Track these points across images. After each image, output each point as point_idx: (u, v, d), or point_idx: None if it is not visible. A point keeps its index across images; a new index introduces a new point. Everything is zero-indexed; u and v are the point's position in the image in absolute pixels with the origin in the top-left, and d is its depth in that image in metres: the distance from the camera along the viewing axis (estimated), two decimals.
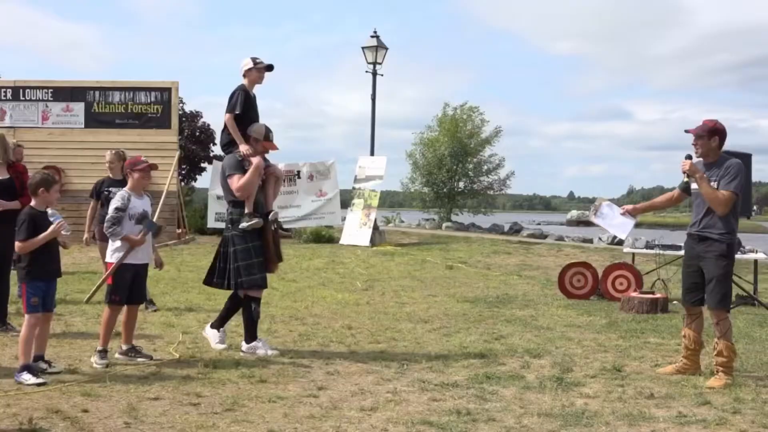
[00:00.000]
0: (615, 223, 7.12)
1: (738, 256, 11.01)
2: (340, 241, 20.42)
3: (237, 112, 6.98)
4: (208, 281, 7.09)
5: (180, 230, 19.52)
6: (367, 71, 23.16)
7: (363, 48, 23.13)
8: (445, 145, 34.75)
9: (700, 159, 6.32)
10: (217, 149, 29.88)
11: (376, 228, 21.01)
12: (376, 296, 11.12)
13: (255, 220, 6.78)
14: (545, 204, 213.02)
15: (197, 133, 29.30)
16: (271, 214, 6.98)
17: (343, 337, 7.86)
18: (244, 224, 6.79)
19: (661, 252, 11.43)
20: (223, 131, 7.18)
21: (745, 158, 9.80)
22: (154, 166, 6.73)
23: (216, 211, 21.03)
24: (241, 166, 6.88)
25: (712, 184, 6.15)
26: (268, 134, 7.01)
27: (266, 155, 7.12)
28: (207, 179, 23.82)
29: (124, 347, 6.70)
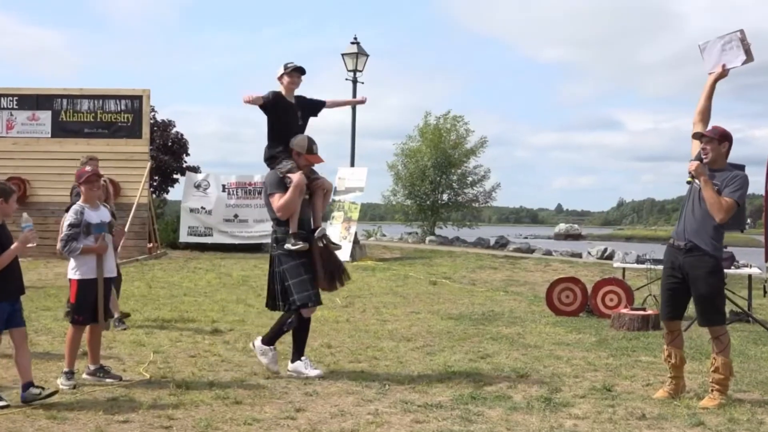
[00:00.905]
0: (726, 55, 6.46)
1: (731, 270, 11.11)
2: None
3: (265, 98, 6.89)
4: (271, 305, 7.01)
5: (151, 244, 19.45)
6: (347, 79, 23.23)
7: (343, 55, 23.18)
8: (428, 155, 34.76)
9: (706, 165, 6.30)
10: (190, 159, 29.84)
11: (356, 242, 21.00)
12: (357, 313, 11.10)
13: (300, 245, 6.70)
14: (532, 217, 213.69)
15: (169, 143, 29.19)
16: (318, 230, 6.91)
17: (322, 356, 7.83)
18: (289, 246, 6.73)
19: (653, 267, 11.49)
20: (267, 146, 7.08)
21: (738, 170, 9.89)
22: (97, 175, 6.63)
23: (189, 225, 20.99)
24: (283, 184, 6.79)
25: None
26: (311, 147, 6.91)
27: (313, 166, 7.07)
28: (179, 191, 23.80)
29: (92, 367, 6.64)
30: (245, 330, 9.20)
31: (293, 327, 6.88)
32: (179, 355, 7.71)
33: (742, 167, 9.87)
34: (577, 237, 67.08)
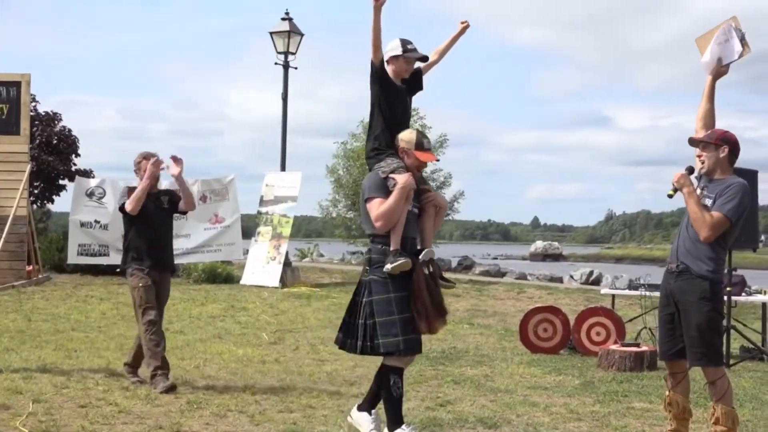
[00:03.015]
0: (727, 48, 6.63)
1: (742, 298, 11.30)
2: (242, 281, 20.32)
3: (382, 59, 6.56)
4: (340, 342, 6.64)
5: (30, 267, 19.14)
6: (276, 63, 23.18)
7: (271, 33, 23.15)
8: None
9: (704, 174, 6.38)
10: (81, 162, 29.47)
11: (287, 264, 20.93)
12: (288, 352, 11.06)
13: (401, 260, 6.21)
14: (503, 233, 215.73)
15: (55, 141, 28.81)
16: (424, 252, 6.42)
17: (245, 404, 7.79)
18: (388, 266, 6.23)
19: (648, 293, 11.61)
20: (368, 135, 6.80)
21: (750, 176, 10.05)
22: None
23: (79, 242, 20.66)
24: (385, 187, 6.35)
25: (706, 202, 6.19)
26: (421, 141, 6.49)
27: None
28: (67, 201, 23.43)
29: None
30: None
31: (400, 389, 6.40)
32: (66, 405, 7.60)
33: (754, 173, 10.09)
34: (558, 257, 67.85)
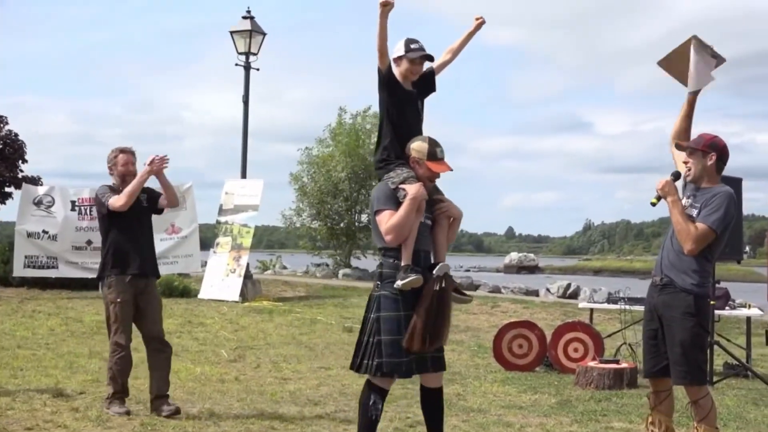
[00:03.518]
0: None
1: (726, 312, 11.35)
2: (200, 295, 20.22)
3: (389, 65, 6.46)
4: (354, 364, 6.51)
5: None
6: (237, 64, 23.15)
7: (232, 33, 23.11)
8: (343, 164, 34.86)
9: (690, 182, 6.38)
10: (28, 168, 29.26)
11: (248, 276, 20.87)
12: (249, 369, 11.02)
13: (412, 277, 6.12)
14: (476, 244, 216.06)
15: (0, 146, 28.64)
16: (438, 267, 6.30)
17: (202, 426, 7.75)
18: (398, 282, 6.15)
19: (628, 307, 11.64)
20: (378, 145, 6.67)
21: (734, 184, 10.11)
22: None
23: (26, 254, 20.51)
24: (396, 199, 6.26)
25: (692, 212, 6.19)
26: (433, 151, 6.33)
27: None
28: (13, 209, 23.28)
29: None
30: (100, 393, 9.03)
31: (377, 411, 6.38)
32: (11, 428, 7.53)
33: (738, 181, 10.16)
34: (533, 269, 68.03)
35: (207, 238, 22.09)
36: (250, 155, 23.24)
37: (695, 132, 6.50)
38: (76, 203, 21.23)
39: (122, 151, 8.58)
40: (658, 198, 6.27)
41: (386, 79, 6.46)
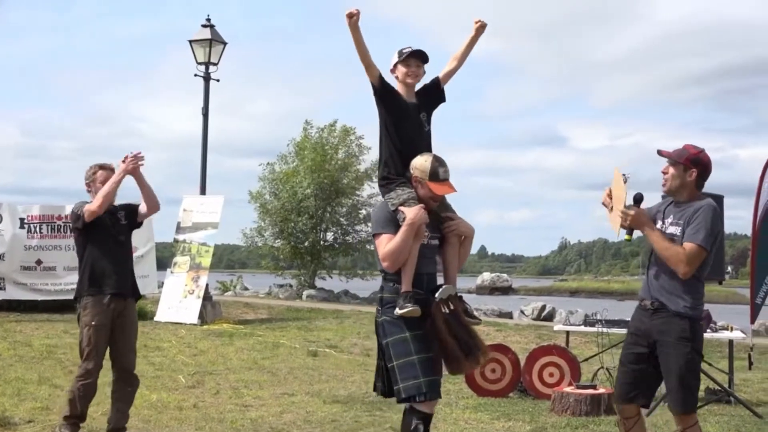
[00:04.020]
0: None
1: (708, 335, 11.38)
2: (156, 318, 20.13)
3: (378, 76, 6.37)
4: (379, 388, 6.42)
5: None
6: (196, 74, 23.13)
7: (191, 42, 23.10)
8: (307, 181, 34.84)
9: (669, 198, 6.38)
10: None
11: (208, 298, 20.81)
12: (208, 396, 10.98)
13: (409, 308, 6.04)
14: None
15: None
16: (441, 290, 6.23)
17: None
18: (397, 310, 6.09)
19: (605, 330, 11.70)
20: (378, 164, 6.61)
21: (716, 201, 10.18)
22: None
23: None
24: (395, 221, 6.20)
25: (674, 230, 6.20)
26: (436, 171, 6.21)
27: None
28: None
29: None
30: (50, 421, 8.97)
31: (403, 424, 6.21)
32: None
33: (719, 198, 10.23)
34: (507, 290, 68.05)
35: (164, 258, 22.03)
36: (209, 170, 23.27)
37: (680, 143, 6.52)
38: (25, 221, 21.10)
39: (102, 167, 8.32)
40: (631, 231, 6.29)
41: (378, 91, 6.41)
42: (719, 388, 10.92)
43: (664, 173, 6.30)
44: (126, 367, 8.18)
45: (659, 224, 6.33)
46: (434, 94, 6.70)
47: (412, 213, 6.02)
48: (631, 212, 6.21)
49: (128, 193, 8.47)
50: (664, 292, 6.21)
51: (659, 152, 6.39)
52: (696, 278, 6.20)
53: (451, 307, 6.13)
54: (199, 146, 23.18)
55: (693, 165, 6.22)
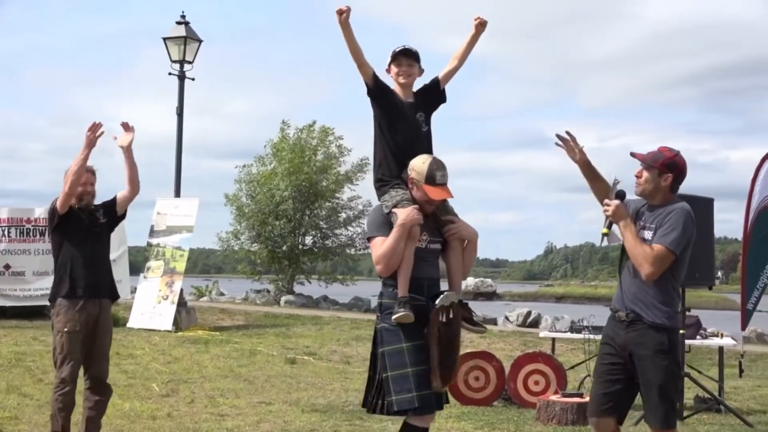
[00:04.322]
0: None
1: (697, 342, 11.44)
2: (129, 324, 20.09)
3: (372, 74, 6.34)
4: (367, 402, 6.34)
5: None
6: (170, 73, 23.07)
7: (165, 39, 23.04)
8: (285, 183, 34.79)
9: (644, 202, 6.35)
10: None
11: (182, 304, 20.77)
12: (182, 405, 10.96)
13: (401, 312, 6.02)
14: None
15: None
16: (441, 297, 6.13)
17: None
18: (393, 316, 6.07)
19: (592, 337, 11.70)
20: (373, 166, 6.53)
21: (705, 204, 10.23)
22: None
23: None
24: (389, 224, 6.17)
25: (646, 235, 6.14)
26: (432, 175, 6.13)
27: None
28: None
29: None
30: (19, 430, 8.93)
31: None
32: None
33: (709, 201, 10.28)
34: (491, 296, 68.18)
35: (137, 262, 22.01)
36: (184, 172, 23.18)
37: (654, 145, 6.48)
38: None
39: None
40: (609, 225, 6.24)
41: (372, 89, 6.37)
42: (709, 397, 10.94)
43: (638, 177, 6.25)
44: (98, 376, 8.10)
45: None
46: (434, 94, 6.65)
47: (403, 214, 6.00)
48: (612, 204, 6.19)
49: (105, 195, 8.38)
50: (638, 302, 6.12)
51: (632, 154, 6.34)
52: (671, 285, 6.15)
53: (451, 316, 6.07)
54: (173, 147, 23.12)
55: (668, 169, 6.17)
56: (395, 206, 6.11)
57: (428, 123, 6.56)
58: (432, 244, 6.21)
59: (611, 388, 6.26)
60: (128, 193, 8.28)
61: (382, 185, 6.32)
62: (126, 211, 8.45)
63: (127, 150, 8.20)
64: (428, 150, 6.38)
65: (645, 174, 6.21)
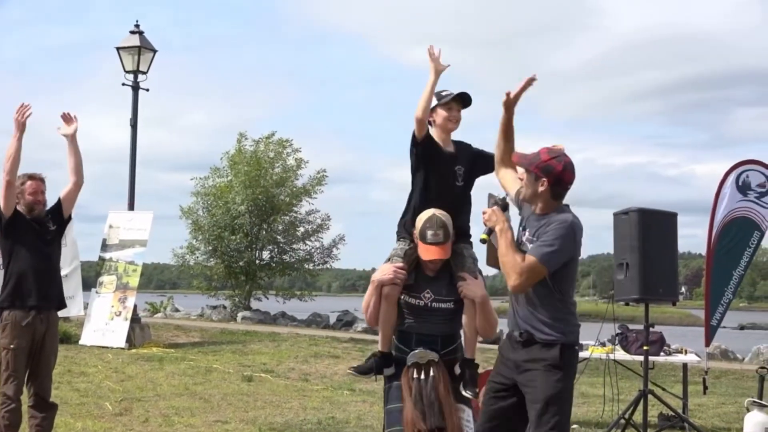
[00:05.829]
0: None
1: (661, 358, 11.50)
2: (81, 341, 20.02)
3: (427, 134, 6.29)
4: None
5: None
6: (124, 83, 23.00)
7: (119, 49, 22.98)
8: (242, 196, 34.68)
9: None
10: None
11: (136, 320, 20.69)
12: (137, 424, 10.92)
13: (356, 364, 6.38)
14: None
15: None
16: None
17: None
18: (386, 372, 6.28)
19: None
20: (405, 208, 6.49)
21: (669, 219, 10.31)
22: None
23: None
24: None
25: (526, 242, 5.88)
26: (424, 232, 6.07)
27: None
28: None
29: None
30: None
31: None
32: None
33: (673, 216, 10.35)
34: None
35: (89, 277, 21.84)
36: (138, 185, 23.13)
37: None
38: None
39: (31, 177, 8.12)
40: (489, 232, 5.96)
41: (421, 144, 6.27)
42: (673, 414, 10.99)
43: (520, 179, 5.99)
44: (41, 393, 8.07)
45: (519, 234, 6.02)
46: (483, 166, 6.55)
47: (379, 272, 6.04)
48: (488, 211, 5.95)
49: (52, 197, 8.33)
50: (532, 321, 5.86)
51: (511, 156, 6.09)
52: (560, 301, 5.86)
53: (431, 374, 6.04)
54: (127, 160, 23.01)
55: (543, 174, 5.78)
56: (389, 259, 6.14)
57: (467, 180, 6.48)
58: (437, 303, 6.17)
59: (497, 416, 6.01)
60: (72, 185, 8.27)
61: (398, 235, 6.35)
62: (71, 214, 8.42)
63: (72, 139, 8.23)
64: (457, 205, 6.34)
65: (525, 177, 5.91)
